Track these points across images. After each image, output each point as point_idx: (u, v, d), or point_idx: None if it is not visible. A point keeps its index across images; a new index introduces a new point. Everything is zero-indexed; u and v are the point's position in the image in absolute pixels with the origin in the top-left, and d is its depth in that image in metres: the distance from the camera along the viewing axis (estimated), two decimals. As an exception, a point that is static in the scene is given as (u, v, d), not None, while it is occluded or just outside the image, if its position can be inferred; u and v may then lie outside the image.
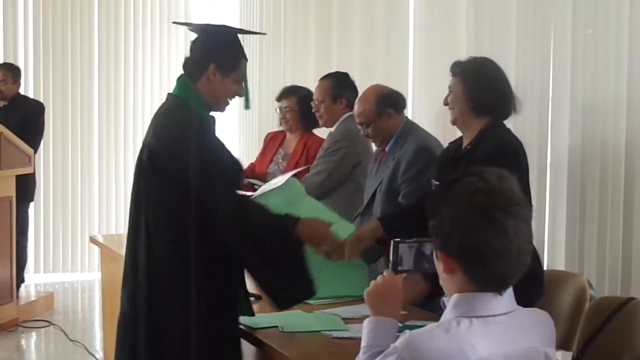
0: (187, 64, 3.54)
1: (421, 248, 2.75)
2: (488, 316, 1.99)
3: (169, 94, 3.59)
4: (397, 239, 2.61)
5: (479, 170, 2.05)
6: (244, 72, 3.54)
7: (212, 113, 3.56)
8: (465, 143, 3.70)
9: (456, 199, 1.99)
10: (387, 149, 4.32)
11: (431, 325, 2.01)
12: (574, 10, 4.38)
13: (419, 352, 1.92)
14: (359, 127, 4.38)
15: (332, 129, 5.01)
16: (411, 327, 3.18)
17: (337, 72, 5.21)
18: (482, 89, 3.63)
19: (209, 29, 3.65)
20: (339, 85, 5.00)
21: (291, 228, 3.41)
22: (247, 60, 3.57)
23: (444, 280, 2.08)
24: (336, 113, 4.96)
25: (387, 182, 4.23)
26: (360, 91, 4.57)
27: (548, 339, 2.11)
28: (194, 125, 3.35)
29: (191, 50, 3.55)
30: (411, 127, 4.35)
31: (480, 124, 3.64)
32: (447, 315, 2.03)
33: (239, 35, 3.61)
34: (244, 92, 3.57)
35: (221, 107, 3.56)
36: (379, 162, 4.39)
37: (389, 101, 4.31)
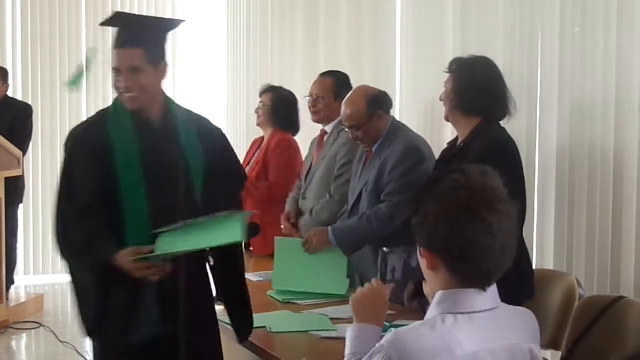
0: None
1: (409, 259, 2.76)
2: (473, 312, 1.99)
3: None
4: (385, 249, 2.64)
5: (461, 167, 2.06)
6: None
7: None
8: (459, 141, 3.71)
9: (439, 195, 1.99)
10: (373, 148, 4.31)
11: (416, 322, 2.01)
12: (562, 9, 4.37)
13: (405, 349, 1.92)
14: (347, 130, 4.36)
15: (327, 129, 4.99)
16: (397, 326, 3.18)
17: (339, 72, 5.19)
18: (470, 88, 3.64)
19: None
20: (342, 84, 4.99)
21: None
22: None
23: (427, 276, 2.08)
24: (334, 112, 4.95)
25: (373, 182, 4.24)
26: None
27: (532, 335, 2.12)
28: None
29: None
30: (398, 127, 4.35)
31: (472, 123, 3.65)
32: (431, 312, 2.03)
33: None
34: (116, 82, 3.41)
35: (124, 100, 3.33)
36: (363, 161, 4.39)
37: (378, 102, 4.31)
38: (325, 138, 5.00)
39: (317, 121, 5.11)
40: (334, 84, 5.02)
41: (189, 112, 3.42)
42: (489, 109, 3.67)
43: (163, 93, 3.34)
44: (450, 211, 1.96)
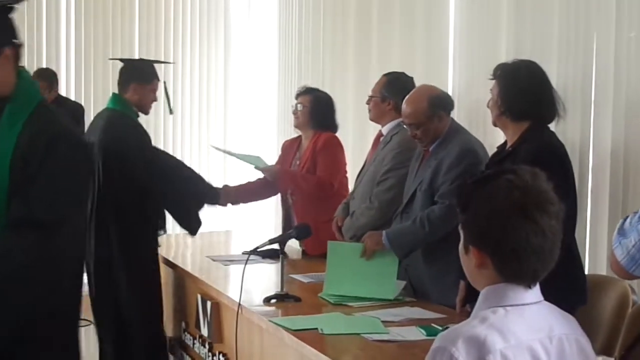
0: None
1: None
2: (522, 304, 2.01)
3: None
4: None
5: (512, 167, 2.06)
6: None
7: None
8: (507, 145, 3.70)
9: (492, 195, 2.00)
10: (430, 148, 4.30)
11: (467, 320, 2.03)
12: (618, 11, 4.33)
13: (457, 338, 1.94)
14: (406, 127, 4.35)
15: (384, 130, 4.98)
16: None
17: (396, 73, 5.14)
18: (514, 94, 3.63)
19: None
20: (391, 86, 4.97)
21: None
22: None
23: (472, 274, 2.09)
24: (382, 112, 4.94)
25: (428, 182, 4.23)
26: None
27: (576, 326, 2.13)
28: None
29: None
30: (457, 129, 4.34)
31: (521, 128, 3.64)
32: (478, 308, 2.04)
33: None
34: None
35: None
36: (420, 161, 4.39)
37: (441, 103, 4.30)
38: (381, 139, 5.01)
39: (371, 119, 5.13)
40: (384, 85, 5.00)
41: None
42: (537, 113, 3.65)
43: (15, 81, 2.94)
44: (504, 211, 1.97)
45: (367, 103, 5.06)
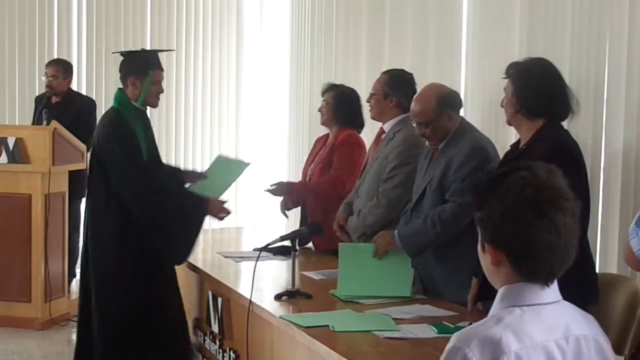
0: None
1: None
2: (539, 304, 2.00)
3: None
4: None
5: (527, 164, 2.06)
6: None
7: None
8: (521, 144, 3.70)
9: (506, 192, 1.99)
10: (439, 146, 4.30)
11: (483, 319, 2.02)
12: (631, 9, 4.32)
13: (472, 338, 1.93)
14: (415, 126, 4.34)
15: (385, 127, 4.99)
16: (461, 328, 3.18)
17: (398, 70, 5.16)
18: (529, 92, 3.63)
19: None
20: (393, 83, 4.98)
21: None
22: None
23: (489, 272, 2.08)
24: (385, 110, 4.95)
25: (438, 180, 4.22)
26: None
27: (595, 326, 2.11)
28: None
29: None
30: (466, 127, 4.33)
31: (535, 126, 3.64)
32: (495, 308, 2.04)
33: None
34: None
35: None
36: (429, 159, 4.38)
37: (450, 102, 4.29)
38: (382, 137, 5.00)
39: (373, 118, 5.13)
40: (386, 82, 5.00)
41: None
42: (551, 110, 3.65)
43: None
44: (518, 208, 1.97)
45: (368, 101, 5.06)
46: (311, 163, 5.67)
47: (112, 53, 5.27)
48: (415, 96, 4.39)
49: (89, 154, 5.55)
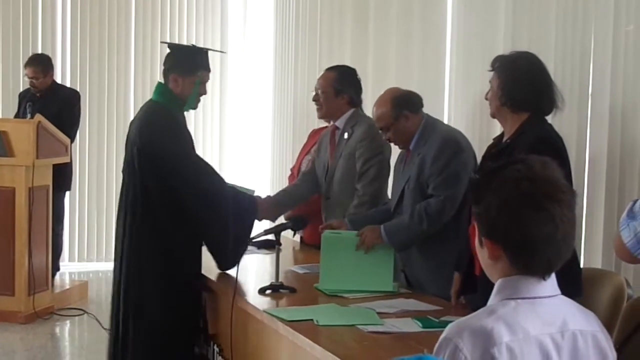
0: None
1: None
2: (534, 297, 1.99)
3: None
4: None
5: (522, 157, 2.06)
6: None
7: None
8: (505, 137, 3.70)
9: (502, 186, 1.99)
10: (411, 147, 4.34)
11: (477, 311, 2.01)
12: (616, 4, 4.33)
13: (464, 329, 1.93)
14: (380, 131, 4.41)
15: (338, 124, 4.95)
16: (448, 323, 3.17)
17: (343, 66, 5.16)
18: (515, 85, 3.63)
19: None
20: (343, 80, 4.96)
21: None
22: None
23: (487, 266, 2.08)
24: (336, 107, 4.92)
25: (414, 179, 4.25)
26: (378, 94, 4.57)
27: (594, 322, 2.09)
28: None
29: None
30: (433, 124, 4.38)
31: (520, 119, 3.64)
32: (492, 301, 2.03)
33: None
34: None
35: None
36: (404, 162, 4.41)
37: (404, 103, 4.33)
38: (337, 134, 4.97)
39: (321, 117, 5.09)
40: (335, 79, 4.96)
41: None
42: (536, 104, 3.65)
43: None
44: (513, 201, 1.96)
45: (315, 100, 5.00)
46: (306, 154, 5.62)
47: (161, 42, 4.94)
48: (375, 102, 4.45)
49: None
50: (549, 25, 4.78)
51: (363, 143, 4.76)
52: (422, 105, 4.41)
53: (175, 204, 4.33)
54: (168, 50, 4.62)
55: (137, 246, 4.41)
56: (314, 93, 5.04)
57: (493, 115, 3.78)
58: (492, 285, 2.10)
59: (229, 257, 4.38)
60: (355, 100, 4.89)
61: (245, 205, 4.49)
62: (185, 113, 4.58)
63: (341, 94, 4.91)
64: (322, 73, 5.13)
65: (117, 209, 4.70)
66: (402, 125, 4.29)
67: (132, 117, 4.71)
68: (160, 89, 4.54)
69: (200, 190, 4.35)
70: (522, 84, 3.62)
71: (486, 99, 3.76)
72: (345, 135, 4.88)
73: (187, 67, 4.47)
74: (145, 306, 4.38)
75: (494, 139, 3.89)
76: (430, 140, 4.25)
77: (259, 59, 9.23)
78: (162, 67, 4.56)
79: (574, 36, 4.62)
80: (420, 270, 4.27)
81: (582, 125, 4.56)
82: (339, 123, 4.94)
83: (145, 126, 4.43)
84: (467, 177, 4.09)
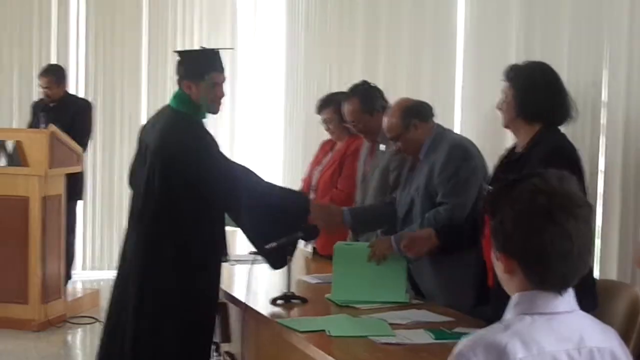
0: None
1: None
2: (550, 313, 1.96)
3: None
4: None
5: (539, 171, 2.03)
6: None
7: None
8: (518, 148, 3.68)
9: (518, 199, 1.97)
10: (421, 156, 4.35)
11: (492, 325, 1.98)
12: (631, 12, 4.30)
13: (478, 343, 1.91)
14: (391, 142, 4.44)
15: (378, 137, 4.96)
16: (461, 335, 3.16)
17: (359, 87, 5.14)
18: (531, 95, 3.61)
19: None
20: (368, 99, 5.00)
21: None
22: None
23: (503, 280, 2.05)
24: (376, 126, 4.87)
25: (423, 187, 4.27)
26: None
27: (613, 338, 2.06)
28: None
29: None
30: (442, 133, 4.39)
31: (533, 130, 3.62)
32: (507, 315, 2.00)
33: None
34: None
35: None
36: (414, 170, 4.43)
37: (413, 113, 4.34)
38: (376, 146, 4.98)
39: (370, 140, 5.10)
40: (361, 104, 4.99)
41: None
42: (551, 115, 3.63)
43: None
44: (529, 216, 1.94)
45: (358, 131, 5.07)
46: (316, 165, 5.62)
47: (173, 52, 4.62)
48: (384, 114, 4.49)
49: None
50: (562, 33, 4.75)
51: (397, 157, 4.76)
52: (432, 115, 4.42)
53: (201, 213, 4.12)
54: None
55: (153, 258, 4.17)
56: (352, 125, 5.08)
57: (506, 126, 3.76)
58: (505, 298, 2.08)
59: (278, 255, 4.15)
60: (386, 106, 4.88)
61: (294, 202, 4.42)
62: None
63: (375, 111, 4.93)
64: (345, 105, 5.11)
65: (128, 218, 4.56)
66: (411, 135, 4.30)
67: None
68: (180, 96, 4.33)
69: (250, 191, 4.21)
70: (538, 95, 3.61)
71: (498, 109, 3.74)
72: (382, 148, 4.91)
73: (197, 71, 4.30)
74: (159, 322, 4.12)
75: (507, 150, 3.87)
76: (439, 148, 4.26)
77: (269, 58, 9.23)
78: (176, 77, 4.40)
79: (588, 44, 4.59)
80: (430, 279, 4.25)
81: (595, 135, 4.53)
82: (379, 137, 4.95)
83: (169, 135, 4.23)
84: (477, 183, 4.07)
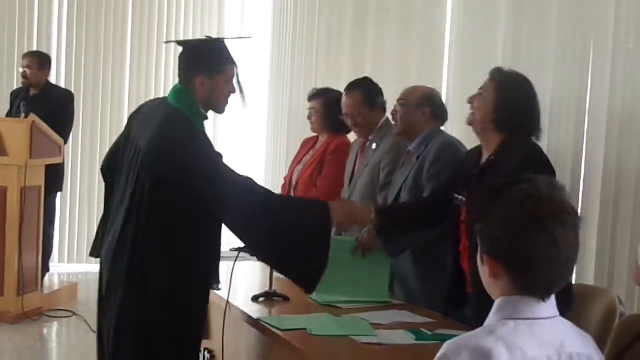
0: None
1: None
2: (533, 319, 1.99)
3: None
4: None
5: (528, 176, 2.05)
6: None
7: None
8: (487, 153, 3.68)
9: (506, 204, 1.99)
10: (411, 149, 4.40)
11: (476, 329, 2.01)
12: (616, 21, 4.34)
13: (461, 347, 1.93)
14: (396, 103, 4.51)
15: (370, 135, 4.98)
16: (441, 336, 3.18)
17: (363, 81, 5.12)
18: (511, 108, 3.60)
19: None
20: (371, 92, 4.99)
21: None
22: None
23: (488, 284, 2.08)
24: (374, 121, 4.94)
25: (412, 179, 4.31)
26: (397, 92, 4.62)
27: (591, 345, 2.10)
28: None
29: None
30: (436, 131, 4.46)
31: (500, 137, 3.62)
32: (490, 319, 2.03)
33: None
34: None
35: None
36: (402, 162, 4.48)
37: (432, 103, 4.47)
38: (367, 144, 4.99)
39: (363, 136, 5.05)
40: (364, 97, 4.97)
41: None
42: (523, 127, 3.63)
43: None
44: (516, 221, 1.96)
45: (354, 125, 5.00)
46: (297, 163, 5.63)
47: (164, 42, 4.17)
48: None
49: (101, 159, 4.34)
50: (548, 38, 4.79)
51: (388, 155, 4.77)
52: (446, 118, 4.57)
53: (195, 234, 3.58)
54: (170, 51, 4.26)
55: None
56: (349, 119, 5.03)
57: (470, 123, 3.74)
58: (483, 302, 2.11)
59: (305, 275, 3.74)
60: (386, 105, 4.94)
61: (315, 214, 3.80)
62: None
63: (374, 106, 4.96)
64: (345, 97, 5.06)
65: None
66: (414, 115, 4.42)
67: (125, 119, 4.17)
68: (180, 93, 3.80)
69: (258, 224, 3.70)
70: (517, 109, 3.61)
71: (468, 102, 3.73)
72: (374, 146, 4.90)
73: (214, 64, 3.77)
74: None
75: (469, 153, 3.90)
76: (430, 144, 4.33)
77: (254, 66, 9.21)
78: (179, 68, 3.87)
79: (573, 51, 4.63)
80: (411, 277, 4.28)
81: (578, 142, 4.57)
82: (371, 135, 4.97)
83: (166, 133, 3.66)
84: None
